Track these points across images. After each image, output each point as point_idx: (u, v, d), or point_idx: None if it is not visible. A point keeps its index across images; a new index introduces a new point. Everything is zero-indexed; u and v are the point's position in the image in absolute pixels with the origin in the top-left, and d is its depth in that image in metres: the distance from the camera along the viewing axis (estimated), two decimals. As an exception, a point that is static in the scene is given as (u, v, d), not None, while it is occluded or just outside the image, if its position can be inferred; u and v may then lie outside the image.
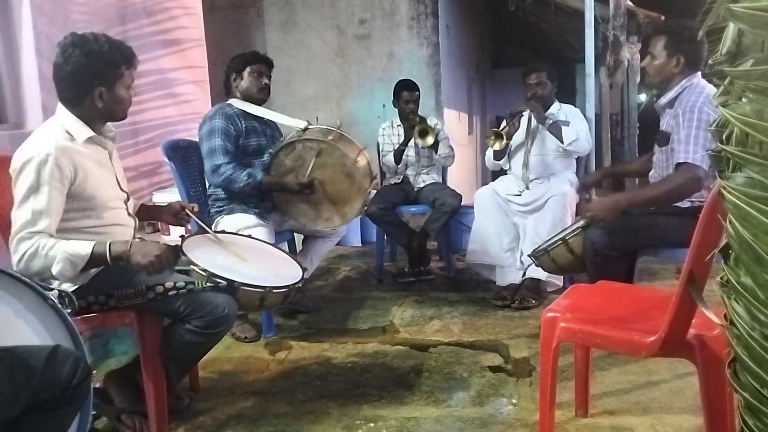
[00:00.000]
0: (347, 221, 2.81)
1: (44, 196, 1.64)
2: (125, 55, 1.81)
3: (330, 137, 2.59)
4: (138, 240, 1.85)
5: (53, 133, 1.73)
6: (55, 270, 1.63)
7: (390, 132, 3.82)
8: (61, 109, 1.79)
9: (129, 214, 1.96)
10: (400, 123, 3.78)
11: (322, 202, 2.71)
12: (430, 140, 3.51)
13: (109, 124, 1.91)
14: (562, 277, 3.09)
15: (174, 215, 2.12)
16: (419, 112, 3.76)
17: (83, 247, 1.66)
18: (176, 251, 1.79)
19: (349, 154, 2.59)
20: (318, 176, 2.65)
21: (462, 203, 3.54)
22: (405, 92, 3.68)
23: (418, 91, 3.73)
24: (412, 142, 3.66)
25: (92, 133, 1.80)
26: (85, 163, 1.75)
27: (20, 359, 1.20)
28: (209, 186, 2.89)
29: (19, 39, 2.75)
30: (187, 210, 2.11)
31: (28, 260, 1.62)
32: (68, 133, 1.76)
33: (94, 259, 1.68)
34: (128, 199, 1.97)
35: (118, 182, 1.92)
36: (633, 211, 2.44)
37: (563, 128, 3.17)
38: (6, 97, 2.81)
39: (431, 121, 3.78)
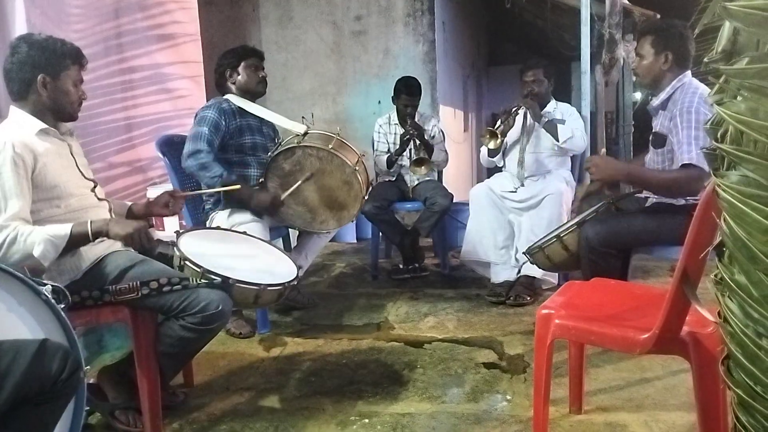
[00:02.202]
0: (342, 225, 2.83)
1: (8, 179, 1.66)
2: (72, 50, 1.84)
3: (330, 145, 2.59)
4: (116, 218, 1.88)
5: (8, 129, 1.77)
6: (36, 252, 1.63)
7: (386, 130, 3.79)
8: (12, 110, 1.83)
9: (99, 198, 1.96)
10: (397, 122, 3.76)
11: (319, 207, 2.71)
12: (424, 171, 3.49)
13: (65, 124, 1.93)
14: (556, 274, 3.10)
15: (165, 205, 2.11)
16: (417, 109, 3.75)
17: (63, 228, 1.69)
18: (150, 233, 1.82)
19: (348, 161, 2.59)
20: (308, 191, 2.67)
21: (457, 200, 3.53)
22: (404, 96, 3.63)
23: (420, 95, 3.67)
24: (406, 153, 3.64)
25: (44, 125, 1.81)
26: (43, 152, 1.77)
27: (7, 353, 1.19)
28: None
29: (12, 32, 2.72)
30: (176, 196, 2.12)
31: (8, 248, 1.62)
32: (22, 127, 1.79)
33: (75, 238, 1.70)
34: (95, 186, 1.97)
35: (81, 171, 1.92)
36: (625, 207, 2.44)
37: (559, 126, 3.17)
38: (0, 90, 2.78)
39: (430, 124, 3.76)
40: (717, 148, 0.87)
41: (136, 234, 1.73)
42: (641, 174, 2.33)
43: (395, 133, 3.74)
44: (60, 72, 1.81)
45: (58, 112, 1.86)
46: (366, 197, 2.69)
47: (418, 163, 3.47)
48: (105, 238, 1.76)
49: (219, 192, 2.66)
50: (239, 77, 2.84)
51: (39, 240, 1.64)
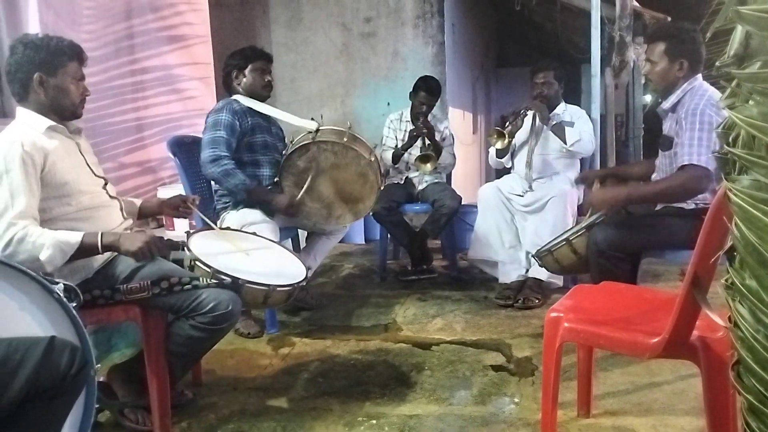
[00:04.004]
0: (359, 218, 2.86)
1: (16, 176, 1.66)
2: (69, 46, 1.84)
3: (344, 139, 2.61)
4: (128, 232, 1.88)
5: (17, 128, 1.78)
6: (43, 256, 1.63)
7: (397, 126, 3.78)
8: (18, 110, 1.84)
9: (111, 196, 1.97)
10: (409, 119, 3.75)
11: (335, 201, 2.73)
12: (428, 168, 3.47)
13: (73, 123, 1.94)
14: (561, 276, 3.09)
15: (175, 208, 2.14)
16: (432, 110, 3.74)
17: (73, 236, 1.69)
18: (163, 240, 1.82)
19: (363, 154, 2.62)
20: (323, 186, 2.69)
21: (465, 202, 3.53)
22: (423, 93, 3.62)
23: (438, 96, 3.67)
24: (414, 149, 3.64)
25: (52, 123, 1.82)
26: (52, 150, 1.78)
27: (18, 350, 1.21)
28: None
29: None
30: (188, 203, 2.13)
31: (15, 246, 1.62)
32: (30, 126, 1.80)
33: (84, 248, 1.70)
34: (106, 183, 1.98)
35: (91, 169, 1.93)
36: (635, 211, 2.44)
37: (567, 129, 3.16)
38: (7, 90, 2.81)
39: (441, 125, 3.76)
40: (729, 152, 0.87)
41: (146, 248, 1.72)
42: (640, 192, 2.38)
43: (405, 130, 3.73)
44: (57, 69, 1.80)
45: (60, 111, 1.85)
46: (381, 187, 2.71)
47: (424, 159, 3.45)
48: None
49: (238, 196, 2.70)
50: (245, 79, 2.84)
51: (48, 244, 1.64)
